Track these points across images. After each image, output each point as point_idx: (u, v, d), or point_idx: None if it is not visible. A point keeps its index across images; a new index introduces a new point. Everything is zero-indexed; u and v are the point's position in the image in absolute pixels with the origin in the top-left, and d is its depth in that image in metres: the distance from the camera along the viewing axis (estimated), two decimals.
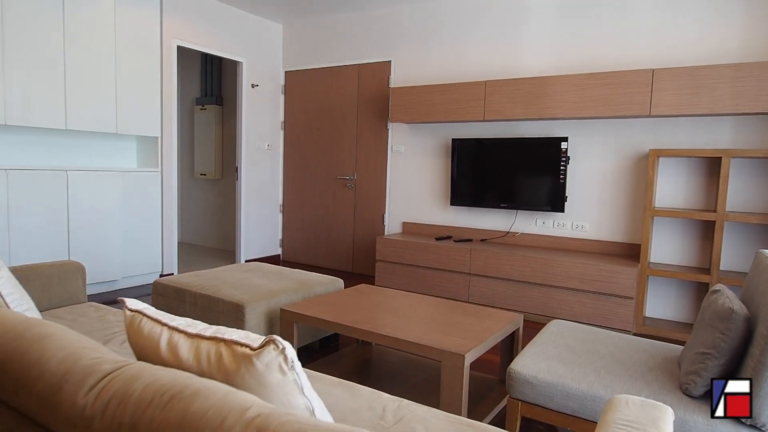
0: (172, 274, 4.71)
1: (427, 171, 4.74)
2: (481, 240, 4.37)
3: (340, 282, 3.08)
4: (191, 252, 6.09)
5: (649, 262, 3.64)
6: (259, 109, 5.47)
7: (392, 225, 4.98)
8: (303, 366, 2.77)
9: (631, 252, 3.80)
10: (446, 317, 2.35)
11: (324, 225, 5.48)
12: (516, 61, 4.19)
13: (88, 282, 3.95)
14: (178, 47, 4.82)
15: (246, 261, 5.45)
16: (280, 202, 5.81)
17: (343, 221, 5.32)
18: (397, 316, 2.34)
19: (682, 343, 3.33)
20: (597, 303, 3.50)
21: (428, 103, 4.34)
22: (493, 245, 4.12)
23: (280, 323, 2.46)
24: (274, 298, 2.61)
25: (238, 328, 2.57)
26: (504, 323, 2.30)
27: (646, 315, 3.76)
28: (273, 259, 5.76)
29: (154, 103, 4.41)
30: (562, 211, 3.92)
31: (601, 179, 3.92)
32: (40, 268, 2.32)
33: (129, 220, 4.25)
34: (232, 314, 2.51)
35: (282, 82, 5.69)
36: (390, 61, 4.88)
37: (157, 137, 4.48)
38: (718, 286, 1.78)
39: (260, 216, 5.59)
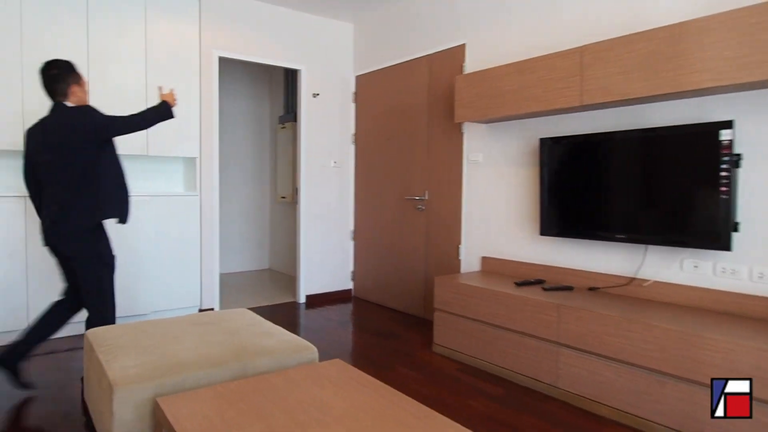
0: (213, 308, 4.09)
1: (510, 186, 3.41)
2: (590, 289, 2.89)
3: (312, 352, 1.99)
4: (265, 281, 5.49)
5: None
6: (324, 121, 4.69)
7: (469, 259, 3.71)
8: None
9: None
10: None
11: (393, 257, 4.41)
12: (634, 13, 2.71)
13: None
14: (227, 60, 4.30)
15: (307, 296, 4.64)
16: (352, 227, 4.91)
17: (414, 253, 4.19)
18: None
19: None
20: None
21: (502, 90, 3.07)
22: (603, 299, 2.64)
23: (154, 424, 1.49)
24: (178, 376, 1.64)
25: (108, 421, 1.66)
26: None
27: None
28: (342, 296, 4.85)
29: (192, 122, 3.90)
30: (729, 248, 2.30)
31: None
32: None
33: (164, 250, 3.75)
34: (107, 396, 1.62)
35: (353, 89, 4.85)
36: (464, 44, 3.70)
37: (195, 158, 3.95)
38: None
39: (327, 244, 4.76)
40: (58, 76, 2.41)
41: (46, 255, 3.25)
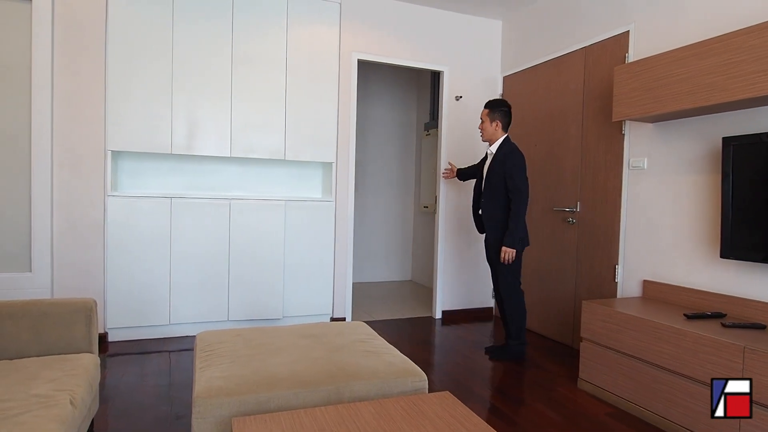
0: (344, 318, 4.12)
1: (681, 197, 2.80)
2: None
3: (419, 380, 1.79)
4: (404, 294, 5.43)
5: None
6: (468, 125, 4.46)
7: (628, 283, 3.15)
8: None
9: None
10: None
11: (538, 275, 3.98)
12: None
13: (243, 318, 3.70)
14: (372, 65, 4.35)
15: (444, 311, 4.43)
16: None
17: (562, 272, 3.72)
18: None
19: None
20: None
21: (672, 80, 2.52)
22: None
23: None
24: (264, 394, 1.59)
25: None
26: None
27: None
28: (482, 314, 4.54)
29: (330, 126, 3.97)
30: None
31: None
32: (36, 305, 1.98)
33: (299, 255, 3.87)
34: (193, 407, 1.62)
35: (499, 90, 4.54)
36: (628, 31, 3.17)
37: (332, 163, 4.02)
38: None
39: (467, 257, 4.50)
40: None
41: (188, 249, 3.53)
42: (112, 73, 3.37)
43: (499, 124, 3.29)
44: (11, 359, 1.85)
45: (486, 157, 3.43)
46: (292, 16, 3.81)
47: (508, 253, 3.15)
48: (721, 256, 2.45)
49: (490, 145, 3.34)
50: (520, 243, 3.20)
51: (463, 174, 3.84)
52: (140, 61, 3.43)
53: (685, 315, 2.45)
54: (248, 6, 3.69)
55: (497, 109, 3.30)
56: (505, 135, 3.30)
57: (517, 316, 3.28)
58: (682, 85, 2.47)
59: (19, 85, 3.19)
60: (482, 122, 3.34)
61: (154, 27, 3.46)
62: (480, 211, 3.40)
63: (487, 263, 3.54)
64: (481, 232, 3.48)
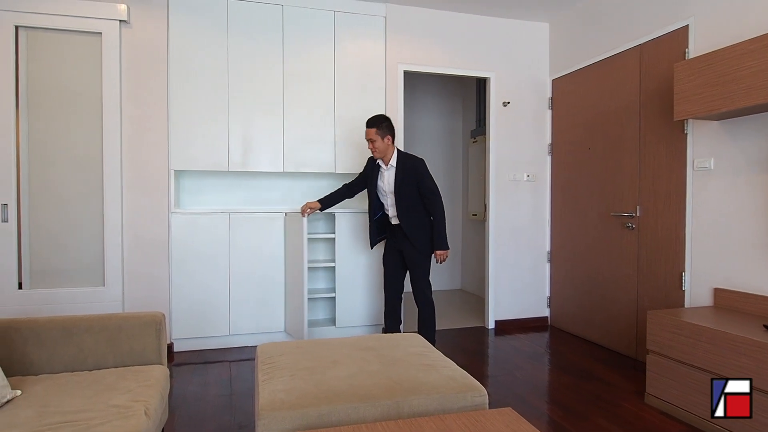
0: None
1: (755, 199, 2.63)
2: None
3: (479, 395, 1.75)
4: (455, 303, 5.37)
5: None
6: (516, 131, 4.39)
7: (696, 291, 2.98)
8: None
9: None
10: None
11: (596, 283, 3.84)
12: None
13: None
14: (417, 74, 4.35)
15: (497, 321, 4.35)
16: (548, 248, 4.46)
17: (623, 279, 3.57)
18: None
19: None
20: None
21: (741, 74, 2.38)
22: None
23: None
24: (325, 407, 1.60)
25: None
26: None
27: None
28: (537, 323, 4.43)
29: None
30: None
31: None
32: (111, 319, 2.10)
33: (347, 265, 3.90)
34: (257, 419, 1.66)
35: (549, 94, 4.44)
36: (687, 25, 3.03)
37: None
38: None
39: (520, 266, 4.41)
40: None
41: (245, 262, 3.65)
42: (174, 97, 3.55)
43: (390, 138, 3.26)
44: (90, 370, 1.97)
45: (376, 171, 3.35)
46: (339, 32, 3.89)
47: (441, 255, 3.27)
48: None
49: (386, 161, 3.29)
50: (446, 243, 3.29)
51: (325, 203, 3.57)
52: (199, 84, 3.60)
53: (765, 326, 2.29)
54: (297, 24, 3.80)
55: (382, 124, 3.23)
56: (395, 146, 3.32)
57: (433, 317, 3.39)
58: (753, 79, 2.33)
59: (91, 112, 3.42)
60: (373, 141, 3.23)
61: (211, 52, 3.63)
62: (397, 223, 3.34)
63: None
64: (373, 245, 3.51)
